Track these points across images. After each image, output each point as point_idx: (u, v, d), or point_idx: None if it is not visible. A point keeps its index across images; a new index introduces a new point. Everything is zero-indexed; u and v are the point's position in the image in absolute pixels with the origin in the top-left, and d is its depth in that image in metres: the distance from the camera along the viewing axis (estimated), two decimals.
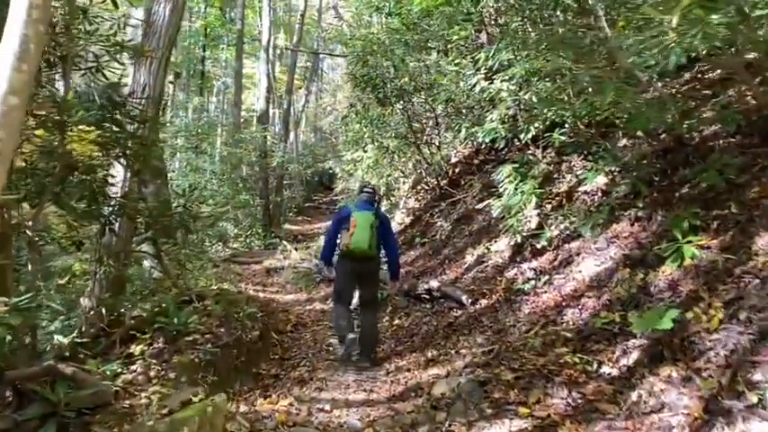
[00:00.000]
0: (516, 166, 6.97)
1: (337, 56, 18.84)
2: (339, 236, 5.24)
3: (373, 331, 5.17)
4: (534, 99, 6.70)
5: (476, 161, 11.24)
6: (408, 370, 4.46)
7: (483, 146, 10.77)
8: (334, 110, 19.53)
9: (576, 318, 4.45)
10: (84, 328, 4.57)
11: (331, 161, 17.77)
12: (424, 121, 11.32)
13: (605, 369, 3.52)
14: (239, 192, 15.19)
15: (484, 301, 6.05)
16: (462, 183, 10.74)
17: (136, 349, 4.41)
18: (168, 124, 19.40)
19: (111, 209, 5.60)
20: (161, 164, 12.35)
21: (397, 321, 6.32)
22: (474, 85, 7.44)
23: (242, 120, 21.01)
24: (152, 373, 4.11)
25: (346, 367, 4.90)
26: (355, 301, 5.84)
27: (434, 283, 6.67)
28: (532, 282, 5.63)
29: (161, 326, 4.66)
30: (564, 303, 4.82)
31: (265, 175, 16.15)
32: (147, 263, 10.77)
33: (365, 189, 5.65)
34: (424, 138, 11.38)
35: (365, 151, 12.17)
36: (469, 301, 6.11)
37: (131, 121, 5.50)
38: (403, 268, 8.79)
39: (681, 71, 6.61)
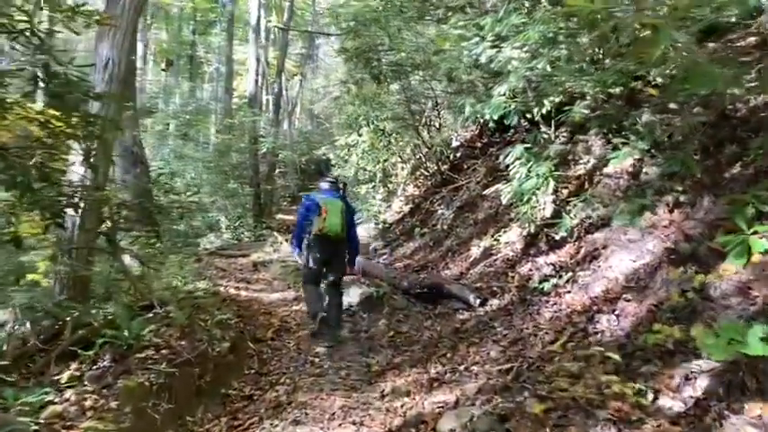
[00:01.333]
0: (527, 146, 6.13)
1: (330, 35, 17.86)
2: (309, 223, 5.42)
3: (339, 311, 5.50)
4: (549, 69, 5.86)
5: (479, 144, 10.42)
6: (408, 393, 3.63)
7: (487, 127, 9.93)
8: (328, 93, 18.59)
9: (614, 327, 3.63)
10: (5, 346, 3.74)
11: (325, 147, 16.82)
12: (422, 101, 10.45)
13: (665, 402, 2.70)
14: (227, 180, 14.29)
15: (495, 302, 5.23)
16: (465, 167, 9.93)
17: (73, 371, 3.60)
18: (160, 111, 18.48)
19: (60, 199, 4.77)
20: (139, 150, 11.51)
21: (394, 324, 5.49)
22: (479, 55, 6.56)
23: (235, 106, 20.12)
24: (88, 403, 3.30)
25: (333, 386, 4.09)
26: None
27: (437, 280, 5.84)
28: (552, 280, 4.80)
29: (108, 340, 3.83)
30: (595, 308, 4.00)
31: (255, 162, 15.23)
32: (127, 259, 9.95)
33: (327, 178, 5.95)
34: (423, 119, 10.52)
35: (360, 135, 11.31)
36: (478, 301, 5.30)
37: (84, 96, 4.66)
38: (401, 261, 8.00)
39: (704, 40, 5.78)
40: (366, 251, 9.52)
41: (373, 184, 11.56)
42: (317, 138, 25.02)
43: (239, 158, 15.86)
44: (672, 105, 5.33)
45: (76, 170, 5.33)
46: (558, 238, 5.36)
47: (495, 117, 6.44)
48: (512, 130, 9.39)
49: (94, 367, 3.73)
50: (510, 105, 6.20)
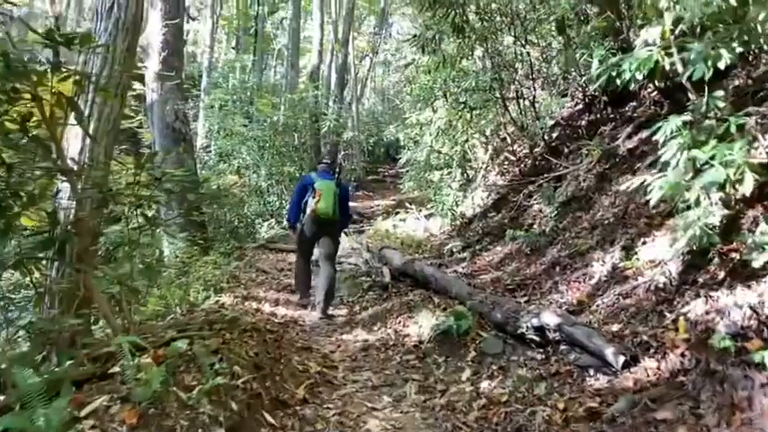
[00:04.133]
0: (687, 120, 4.08)
1: None
2: (304, 200, 5.84)
3: (332, 283, 5.79)
4: (733, 2, 3.81)
5: (582, 122, 8.37)
6: None
7: (596, 99, 7.88)
8: (399, 65, 16.67)
9: None
10: None
11: (393, 127, 14.91)
12: (513, 67, 8.41)
13: None
14: (284, 162, 12.73)
15: (650, 364, 3.29)
16: (564, 151, 7.93)
17: None
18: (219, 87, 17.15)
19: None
20: (183, 126, 10.06)
21: (485, 384, 3.66)
22: None
23: (301, 84, 18.66)
24: None
25: None
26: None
27: (552, 318, 3.91)
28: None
29: None
30: None
31: (316, 143, 13.63)
32: (166, 250, 8.50)
33: (323, 161, 6.44)
34: (512, 91, 8.51)
35: (434, 111, 9.41)
36: (621, 359, 3.37)
37: (52, 41, 3.09)
38: (487, 273, 6.12)
39: None
40: (438, 253, 7.70)
41: (449, 169, 9.62)
42: (387, 118, 23.22)
43: (301, 138, 14.30)
44: None
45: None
46: (755, 265, 3.33)
47: (639, 77, 4.41)
48: (632, 103, 7.32)
49: None
50: (663, 59, 4.17)
